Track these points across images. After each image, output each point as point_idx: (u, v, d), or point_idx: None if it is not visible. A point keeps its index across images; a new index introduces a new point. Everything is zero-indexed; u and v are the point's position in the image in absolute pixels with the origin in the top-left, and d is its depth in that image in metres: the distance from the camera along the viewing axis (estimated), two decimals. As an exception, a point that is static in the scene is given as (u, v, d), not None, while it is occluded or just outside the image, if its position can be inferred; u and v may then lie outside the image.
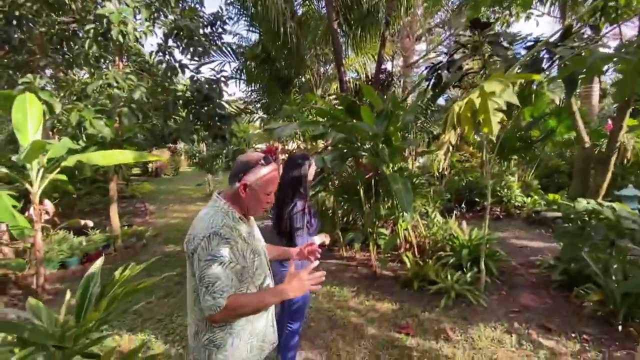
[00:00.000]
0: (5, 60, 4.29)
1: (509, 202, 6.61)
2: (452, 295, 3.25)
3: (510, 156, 7.19)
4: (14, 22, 3.85)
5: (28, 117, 3.29)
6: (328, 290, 3.61)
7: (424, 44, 12.43)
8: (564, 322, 2.88)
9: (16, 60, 4.35)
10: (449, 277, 3.43)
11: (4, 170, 3.22)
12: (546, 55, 2.97)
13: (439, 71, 3.59)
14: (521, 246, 4.86)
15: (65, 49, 4.60)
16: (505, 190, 6.69)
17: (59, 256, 4.25)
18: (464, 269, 3.60)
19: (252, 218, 1.41)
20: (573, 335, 2.69)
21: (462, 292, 3.28)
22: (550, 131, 6.51)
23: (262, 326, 1.34)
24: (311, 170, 2.18)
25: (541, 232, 5.55)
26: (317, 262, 1.38)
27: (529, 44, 3.09)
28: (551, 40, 2.81)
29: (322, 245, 2.25)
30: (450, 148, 2.40)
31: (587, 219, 3.43)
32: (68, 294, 2.12)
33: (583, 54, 2.37)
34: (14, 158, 3.16)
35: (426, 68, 4.00)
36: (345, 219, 5.29)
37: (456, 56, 3.16)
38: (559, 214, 5.66)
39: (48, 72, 5.48)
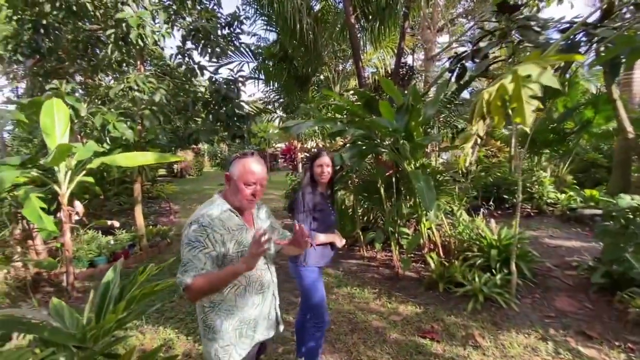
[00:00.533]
0: (35, 68, 4.49)
1: (540, 199, 6.23)
2: (480, 299, 3.07)
3: (541, 150, 6.80)
4: (42, 30, 4.02)
5: (56, 122, 3.42)
6: (349, 292, 3.51)
7: (446, 35, 12.02)
8: (606, 329, 2.64)
9: (45, 68, 4.54)
10: (476, 279, 3.24)
11: (35, 173, 3.35)
12: (583, 39, 2.73)
13: (463, 61, 3.39)
14: (555, 246, 4.55)
15: (90, 55, 4.75)
16: (537, 186, 6.31)
17: (88, 255, 4.41)
18: (493, 271, 3.39)
19: (261, 215, 1.54)
20: (617, 343, 2.46)
21: (491, 295, 3.09)
22: (586, 122, 6.08)
23: (254, 316, 1.41)
24: (322, 159, 2.09)
25: (577, 230, 5.19)
26: (265, 233, 1.20)
27: (563, 26, 2.84)
28: (589, 21, 2.56)
29: (335, 246, 2.16)
30: (478, 141, 2.22)
31: (631, 216, 3.13)
32: (92, 294, 2.15)
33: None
34: (42, 161, 3.28)
35: (449, 58, 3.80)
36: (365, 218, 5.16)
37: (482, 44, 2.96)
38: (598, 211, 5.28)
39: (77, 78, 5.72)
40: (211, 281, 1.24)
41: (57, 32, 4.23)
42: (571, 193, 6.13)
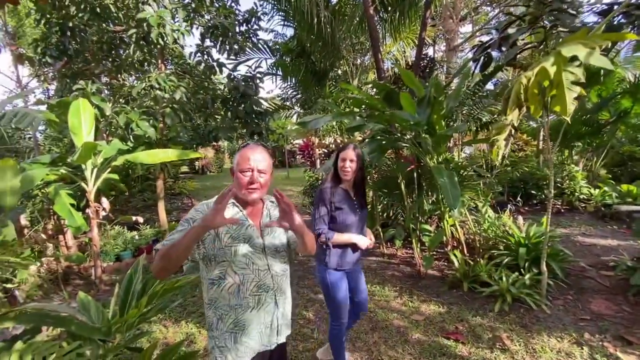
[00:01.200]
0: (64, 70, 4.67)
1: (572, 195, 5.90)
2: (508, 299, 2.92)
3: (573, 143, 6.43)
4: (68, 32, 4.16)
5: (82, 121, 3.54)
6: (368, 290, 3.45)
7: (469, 25, 11.56)
8: (648, 334, 2.45)
9: (72, 69, 4.71)
10: (503, 278, 3.09)
11: (63, 170, 3.48)
12: (623, 21, 2.51)
13: (489, 50, 3.22)
14: (589, 244, 4.29)
15: (114, 56, 4.88)
16: (568, 181, 5.97)
17: (114, 249, 4.57)
18: (522, 270, 3.23)
19: (271, 213, 1.41)
20: (660, 350, 2.27)
21: (519, 295, 2.94)
22: (623, 112, 5.69)
23: (249, 321, 1.31)
24: (346, 153, 1.98)
25: (613, 228, 4.88)
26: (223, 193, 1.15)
27: (600, 8, 2.62)
28: (632, 1, 2.35)
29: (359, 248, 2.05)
30: (512, 132, 2.08)
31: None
32: (117, 288, 2.21)
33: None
34: (69, 159, 3.40)
35: (472, 48, 3.63)
36: (385, 214, 5.07)
37: (510, 31, 2.79)
38: (637, 207, 4.94)
39: (103, 79, 5.92)
40: (173, 245, 1.16)
41: (82, 33, 4.37)
42: (606, 188, 5.77)
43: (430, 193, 4.18)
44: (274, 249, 1.38)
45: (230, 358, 1.30)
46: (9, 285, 2.25)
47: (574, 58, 1.43)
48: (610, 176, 6.52)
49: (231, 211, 1.34)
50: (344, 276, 2.05)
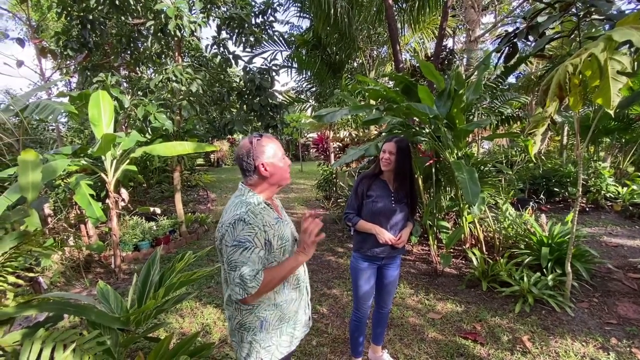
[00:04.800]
0: (85, 63, 4.75)
1: (598, 193, 5.64)
2: (529, 300, 2.83)
3: (600, 138, 6.13)
4: (88, 25, 4.22)
5: (102, 112, 3.59)
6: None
7: (490, 15, 11.14)
8: (681, 341, 2.32)
9: (93, 61, 4.79)
10: (524, 278, 2.98)
11: (84, 161, 3.56)
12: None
13: (515, 39, 3.07)
14: (616, 245, 4.10)
15: (132, 48, 4.93)
16: (594, 178, 5.71)
17: (133, 239, 4.67)
18: (544, 270, 3.11)
19: (278, 203, 1.43)
20: (695, 359, 2.14)
21: (541, 297, 2.84)
22: (656, 107, 5.35)
23: (293, 312, 1.36)
24: (386, 145, 1.97)
25: (643, 228, 4.64)
26: (309, 213, 1.35)
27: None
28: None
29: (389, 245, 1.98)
30: (550, 126, 1.96)
31: None
32: (135, 277, 2.24)
33: None
34: (89, 151, 3.46)
35: (496, 38, 3.47)
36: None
37: (539, 19, 2.63)
38: (670, 208, 4.68)
39: (123, 72, 6.01)
40: (272, 280, 1.20)
41: (102, 26, 4.42)
42: (634, 186, 5.49)
43: (448, 189, 4.07)
44: (297, 239, 1.42)
45: (277, 352, 1.31)
46: (30, 274, 2.32)
47: (629, 42, 1.31)
48: (639, 174, 6.20)
49: (271, 214, 1.28)
50: (370, 267, 2.04)
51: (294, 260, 1.26)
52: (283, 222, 1.34)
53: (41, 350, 1.37)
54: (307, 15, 7.22)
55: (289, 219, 1.43)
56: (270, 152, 1.26)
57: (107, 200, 3.88)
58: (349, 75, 7.86)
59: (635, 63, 2.74)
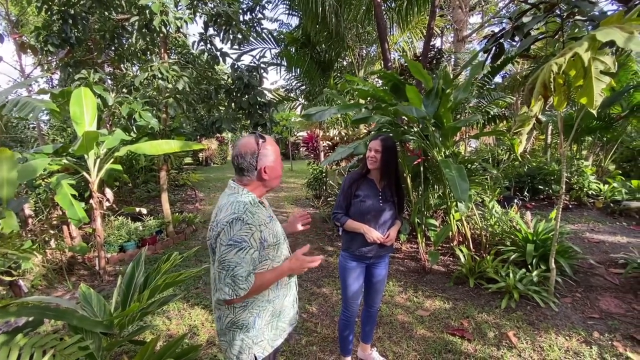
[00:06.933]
0: (66, 59, 4.60)
1: (580, 190, 5.79)
2: (514, 296, 2.88)
3: (582, 137, 6.29)
4: (70, 20, 4.08)
5: (84, 110, 3.48)
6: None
7: (477, 15, 11.30)
8: (660, 334, 2.40)
9: (75, 58, 4.64)
10: (510, 274, 3.04)
11: (66, 160, 3.45)
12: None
13: (501, 40, 3.11)
14: (598, 241, 4.22)
15: (117, 45, 4.80)
16: (577, 176, 5.86)
17: (118, 240, 4.57)
18: (529, 267, 3.17)
19: (266, 201, 1.41)
20: (672, 351, 2.22)
21: (527, 292, 2.89)
22: (635, 106, 5.53)
23: (283, 307, 1.38)
24: (372, 143, 1.97)
25: (623, 224, 4.79)
26: (307, 246, 1.40)
27: (621, -4, 2.50)
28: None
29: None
30: (536, 125, 1.99)
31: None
32: (119, 280, 2.18)
33: None
34: (70, 149, 3.36)
35: (484, 38, 3.51)
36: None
37: (525, 19, 2.67)
38: (648, 204, 4.83)
39: (107, 69, 5.84)
40: (262, 285, 1.23)
41: (84, 21, 4.29)
42: (615, 184, 5.65)
43: (436, 187, 4.11)
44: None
45: (268, 346, 1.32)
46: (7, 278, 2.23)
47: (611, 43, 1.33)
48: (620, 172, 6.39)
49: (264, 212, 1.29)
50: (359, 266, 2.04)
51: (287, 269, 1.31)
52: (274, 220, 1.36)
53: (19, 357, 1.32)
54: (296, 13, 7.17)
55: (276, 218, 1.44)
56: (273, 156, 1.28)
57: (91, 201, 3.78)
58: (339, 74, 7.85)
59: (615, 64, 2.81)
